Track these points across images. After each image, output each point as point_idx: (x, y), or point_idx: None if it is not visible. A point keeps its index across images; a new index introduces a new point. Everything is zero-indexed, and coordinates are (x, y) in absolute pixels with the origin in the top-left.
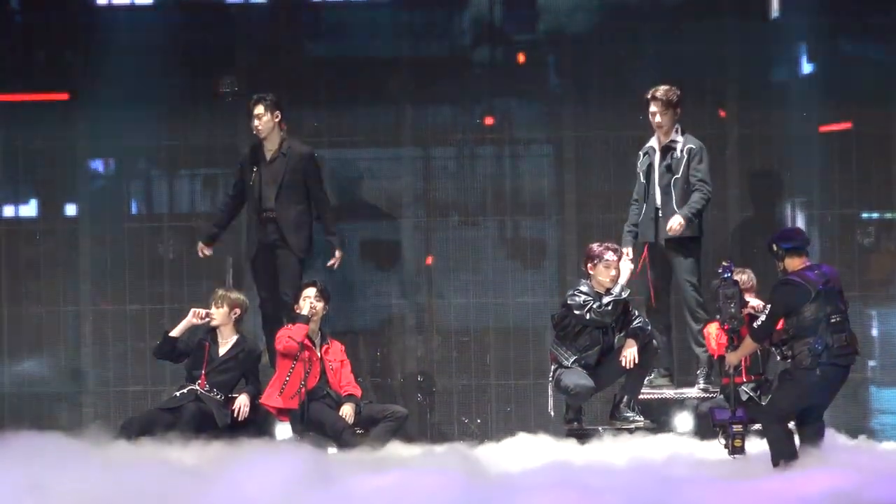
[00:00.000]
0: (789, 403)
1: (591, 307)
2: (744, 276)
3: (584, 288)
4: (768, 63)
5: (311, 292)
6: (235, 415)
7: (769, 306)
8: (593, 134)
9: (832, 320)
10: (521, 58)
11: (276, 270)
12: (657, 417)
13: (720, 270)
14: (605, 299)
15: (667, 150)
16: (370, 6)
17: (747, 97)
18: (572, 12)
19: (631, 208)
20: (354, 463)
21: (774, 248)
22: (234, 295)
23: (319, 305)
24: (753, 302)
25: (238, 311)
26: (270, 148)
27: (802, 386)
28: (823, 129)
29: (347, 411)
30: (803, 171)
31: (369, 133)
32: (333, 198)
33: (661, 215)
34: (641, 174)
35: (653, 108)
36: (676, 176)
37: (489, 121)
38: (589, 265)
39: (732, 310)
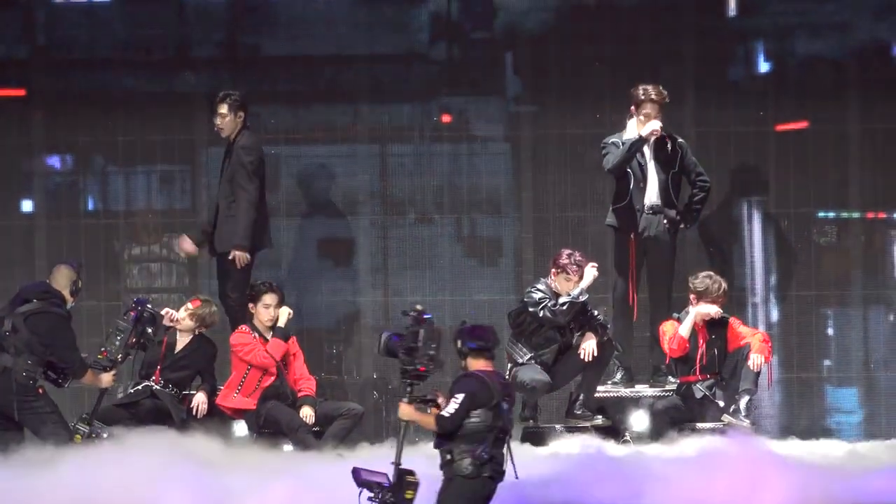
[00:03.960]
0: None
1: (546, 305)
2: (714, 285)
3: (541, 286)
4: (725, 61)
5: (271, 299)
6: (193, 413)
7: (458, 396)
8: (550, 132)
9: (500, 435)
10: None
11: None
12: (612, 416)
13: (412, 313)
14: (562, 299)
15: (660, 144)
16: (327, 2)
17: (703, 95)
18: (529, 10)
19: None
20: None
21: (459, 344)
22: (209, 310)
23: (278, 312)
24: (707, 309)
25: (204, 328)
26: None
27: (463, 496)
28: (780, 127)
29: (307, 412)
30: (759, 170)
31: (326, 130)
32: (289, 194)
33: (657, 211)
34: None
35: (648, 108)
36: (674, 170)
37: (446, 118)
38: (553, 269)
39: (431, 352)
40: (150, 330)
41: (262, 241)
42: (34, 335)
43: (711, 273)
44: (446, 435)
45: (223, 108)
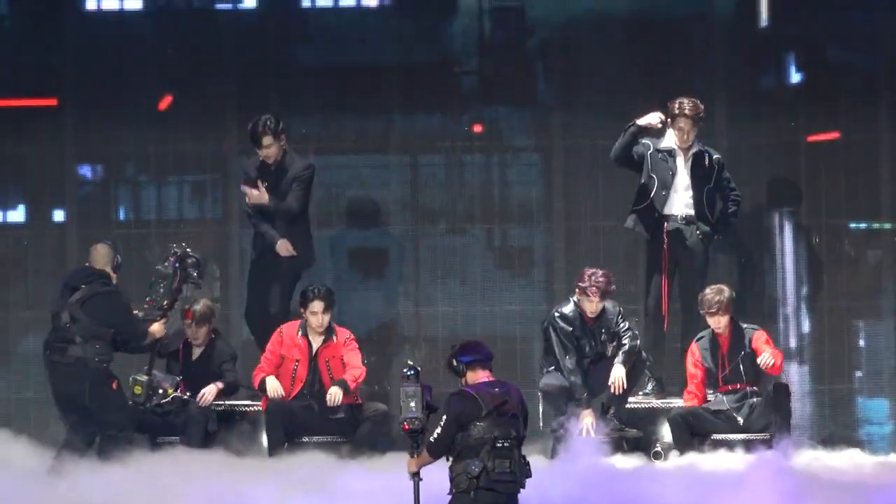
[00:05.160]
0: None
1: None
2: (717, 297)
3: (567, 309)
4: (756, 72)
5: (318, 307)
6: (198, 400)
7: (442, 418)
8: (582, 142)
9: (498, 444)
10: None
11: (273, 278)
12: (643, 427)
13: (404, 370)
14: (569, 363)
15: (698, 158)
16: (359, 13)
17: (735, 106)
18: (561, 21)
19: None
20: None
21: (454, 363)
22: (201, 305)
23: (327, 318)
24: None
25: (212, 324)
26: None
27: None
28: (811, 138)
29: (334, 392)
30: (791, 181)
31: (357, 140)
32: (322, 204)
33: (689, 222)
34: (657, 170)
35: (682, 123)
36: (710, 185)
37: (478, 128)
38: (577, 289)
39: (413, 406)
40: (194, 273)
41: (309, 258)
42: (94, 320)
43: (718, 286)
44: (444, 456)
45: (267, 140)
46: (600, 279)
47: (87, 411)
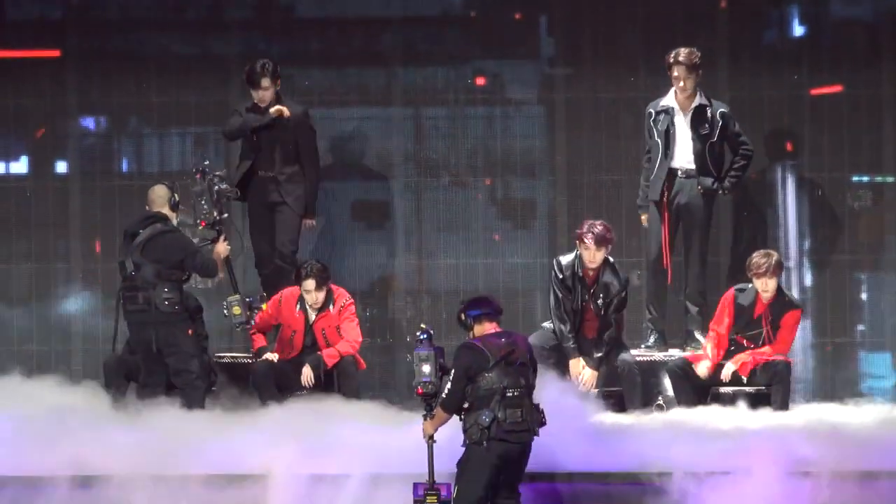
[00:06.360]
0: (470, 489)
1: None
2: (764, 260)
3: (565, 259)
4: (759, 25)
5: (310, 285)
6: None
7: (450, 372)
8: (585, 95)
9: (508, 394)
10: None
11: (274, 228)
12: (647, 380)
13: (417, 333)
14: (555, 310)
15: (699, 112)
16: None
17: (737, 60)
18: None
19: (644, 167)
20: None
21: (463, 317)
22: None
23: (321, 295)
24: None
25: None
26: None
27: (473, 463)
28: (814, 91)
29: (306, 373)
30: (793, 134)
31: (360, 92)
32: (323, 157)
33: (690, 176)
34: (656, 132)
35: (676, 72)
36: (713, 140)
37: (480, 81)
38: (577, 240)
39: (426, 370)
40: (222, 186)
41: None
42: (157, 263)
43: (765, 250)
44: (458, 411)
45: (266, 82)
46: (597, 227)
47: (160, 357)
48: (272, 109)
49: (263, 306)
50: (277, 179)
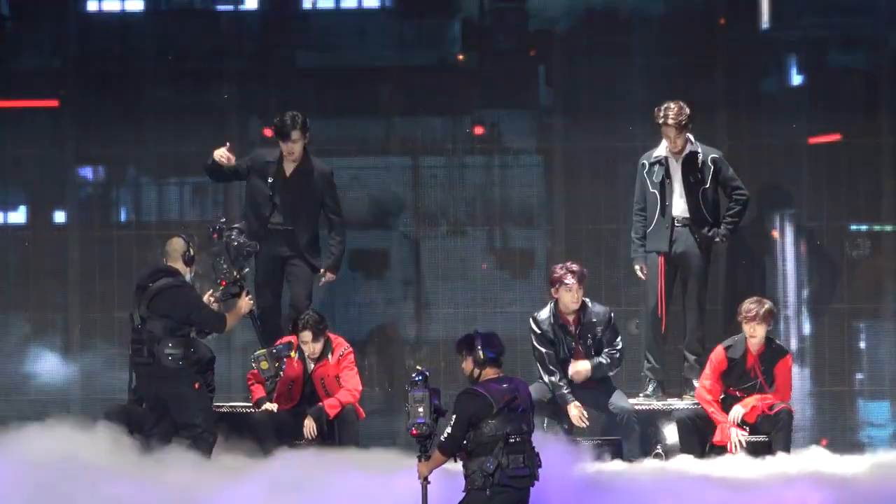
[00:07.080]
0: None
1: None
2: (755, 306)
3: (541, 314)
4: (758, 74)
5: (307, 336)
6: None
7: (453, 417)
8: (582, 144)
9: (511, 440)
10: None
11: (281, 282)
12: (645, 429)
13: (413, 375)
14: (541, 366)
15: (689, 159)
16: (360, 15)
17: (736, 108)
18: (562, 23)
19: (635, 220)
20: None
21: (480, 354)
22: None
23: (318, 346)
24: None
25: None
26: (291, 163)
27: None
28: (813, 140)
29: (308, 426)
30: (792, 183)
31: (358, 142)
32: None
33: (685, 224)
34: (651, 184)
35: (668, 132)
36: (705, 186)
37: (479, 130)
38: (552, 289)
39: (421, 412)
40: (241, 240)
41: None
42: (163, 317)
43: (759, 298)
44: (457, 454)
45: (295, 134)
46: (573, 266)
47: (166, 411)
48: (215, 153)
49: (292, 354)
50: (293, 233)
